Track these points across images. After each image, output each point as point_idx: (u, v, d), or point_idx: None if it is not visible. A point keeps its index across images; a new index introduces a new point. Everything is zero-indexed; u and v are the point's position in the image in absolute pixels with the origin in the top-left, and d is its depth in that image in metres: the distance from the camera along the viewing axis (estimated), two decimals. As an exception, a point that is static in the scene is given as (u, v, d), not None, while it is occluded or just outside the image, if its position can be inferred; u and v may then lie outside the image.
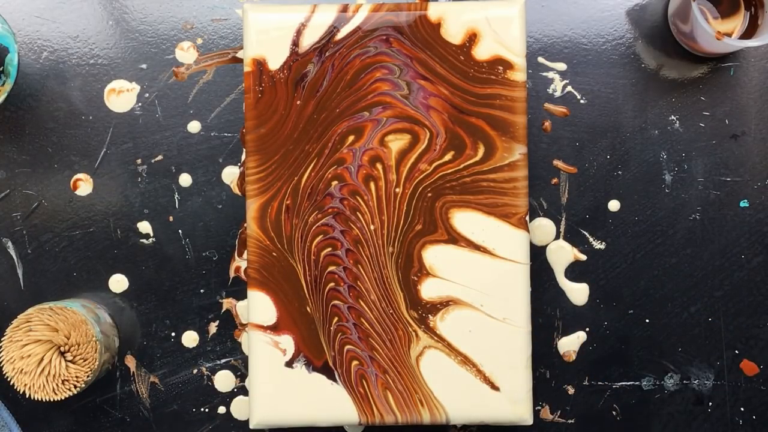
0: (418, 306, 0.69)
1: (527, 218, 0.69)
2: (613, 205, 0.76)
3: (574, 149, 0.76)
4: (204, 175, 0.76)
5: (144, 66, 0.77)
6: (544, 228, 0.76)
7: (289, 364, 0.69)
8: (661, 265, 0.76)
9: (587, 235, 0.76)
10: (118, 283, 0.76)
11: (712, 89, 0.77)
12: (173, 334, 0.76)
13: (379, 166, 0.69)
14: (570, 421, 0.76)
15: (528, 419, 0.69)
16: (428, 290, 0.69)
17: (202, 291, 0.76)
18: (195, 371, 0.76)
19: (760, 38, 0.71)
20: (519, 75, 0.69)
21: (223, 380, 0.76)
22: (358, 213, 0.69)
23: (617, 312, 0.76)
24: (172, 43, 0.77)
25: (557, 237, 0.76)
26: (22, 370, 0.69)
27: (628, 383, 0.76)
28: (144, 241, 0.76)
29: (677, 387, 0.76)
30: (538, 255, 0.76)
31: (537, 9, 0.77)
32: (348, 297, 0.69)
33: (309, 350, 0.69)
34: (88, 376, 0.70)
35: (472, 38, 0.69)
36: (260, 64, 0.70)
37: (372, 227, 0.69)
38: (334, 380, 0.69)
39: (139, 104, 0.77)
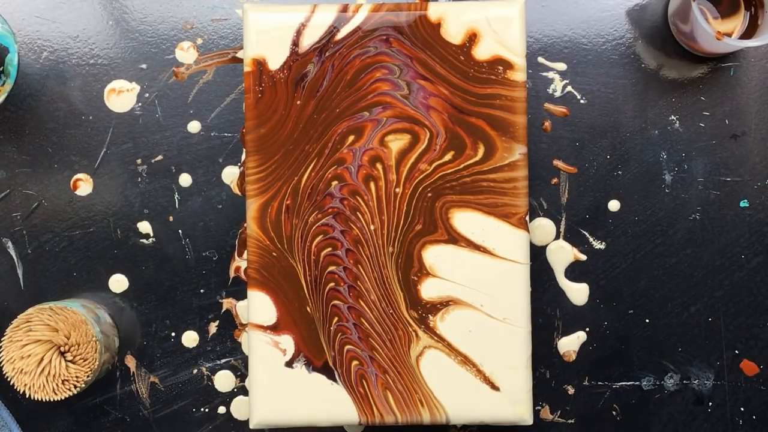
0: (418, 306, 0.69)
1: (527, 218, 0.69)
2: (613, 205, 0.76)
3: (574, 149, 0.76)
4: (204, 175, 0.76)
5: (144, 66, 0.77)
6: (544, 228, 0.76)
7: (289, 364, 0.69)
8: (661, 265, 0.76)
9: (587, 235, 0.76)
10: (118, 283, 0.76)
11: (712, 89, 0.77)
12: (173, 334, 0.76)
13: (379, 166, 0.69)
14: (570, 421, 0.76)
15: (528, 419, 0.69)
16: (428, 290, 0.69)
17: (202, 291, 0.76)
18: (195, 371, 0.76)
19: (760, 38, 0.71)
20: (519, 75, 0.69)
21: (223, 380, 0.76)
22: (358, 213, 0.69)
23: (617, 312, 0.76)
24: (172, 43, 0.77)
25: (557, 237, 0.76)
26: (22, 370, 0.69)
27: (628, 383, 0.76)
28: (144, 241, 0.76)
29: (677, 387, 0.76)
30: (538, 255, 0.76)
31: (537, 9, 0.77)
32: (348, 297, 0.69)
33: (309, 350, 0.69)
34: (88, 376, 0.70)
35: (472, 38, 0.69)
36: (260, 64, 0.70)
37: (372, 227, 0.69)
38: (334, 380, 0.69)
39: (139, 104, 0.77)
